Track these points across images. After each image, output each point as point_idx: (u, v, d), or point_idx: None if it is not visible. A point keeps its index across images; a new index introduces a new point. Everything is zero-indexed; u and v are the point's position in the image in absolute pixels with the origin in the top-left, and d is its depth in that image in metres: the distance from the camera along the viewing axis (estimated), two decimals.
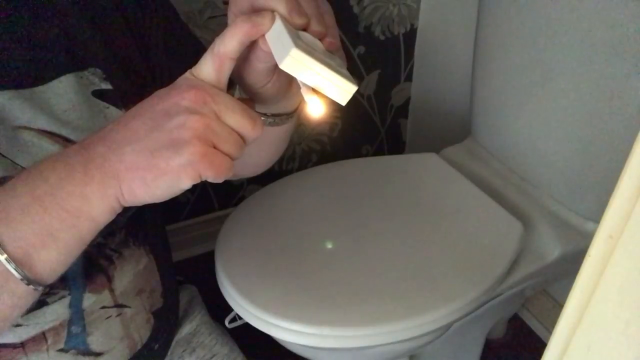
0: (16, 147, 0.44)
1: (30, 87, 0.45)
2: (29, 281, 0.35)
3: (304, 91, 0.38)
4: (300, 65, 0.35)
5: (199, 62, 0.37)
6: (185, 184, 0.34)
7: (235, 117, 0.35)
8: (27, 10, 0.45)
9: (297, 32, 0.38)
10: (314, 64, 0.35)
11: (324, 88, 0.37)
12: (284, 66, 0.35)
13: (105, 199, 0.35)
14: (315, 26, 0.38)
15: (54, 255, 0.35)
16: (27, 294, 0.36)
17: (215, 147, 0.35)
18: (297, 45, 0.35)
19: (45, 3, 0.46)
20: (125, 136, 0.35)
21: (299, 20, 0.37)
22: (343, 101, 0.38)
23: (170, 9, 0.56)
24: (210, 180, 0.35)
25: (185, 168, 0.34)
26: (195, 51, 0.57)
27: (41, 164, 0.36)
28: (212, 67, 0.36)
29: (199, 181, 0.35)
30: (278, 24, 0.36)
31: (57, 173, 0.35)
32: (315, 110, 0.38)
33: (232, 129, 0.36)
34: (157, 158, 0.34)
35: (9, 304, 0.36)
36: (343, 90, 0.37)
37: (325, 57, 0.37)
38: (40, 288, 0.36)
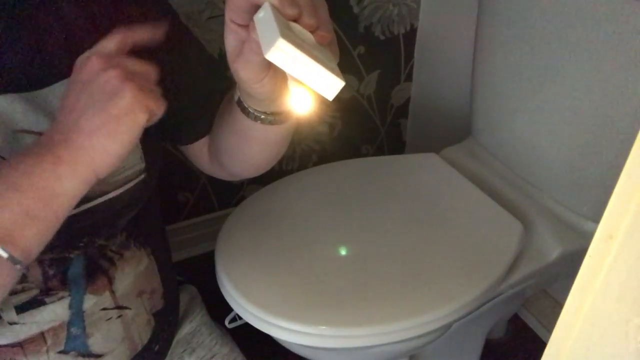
0: (17, 151, 0.44)
1: (32, 91, 0.45)
2: (14, 261, 0.36)
3: (290, 84, 0.37)
4: (286, 56, 0.35)
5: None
6: (141, 118, 0.38)
7: (133, 63, 0.40)
8: (28, 13, 0.45)
9: (288, 23, 0.37)
10: (300, 55, 0.35)
11: (310, 81, 0.36)
12: (269, 56, 0.35)
13: (77, 174, 0.38)
14: (307, 18, 0.38)
15: (34, 233, 0.38)
16: (10, 273, 0.38)
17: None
18: (284, 36, 0.34)
19: (46, 6, 0.46)
20: (71, 117, 0.38)
21: (290, 11, 0.37)
22: (330, 96, 0.37)
23: (170, 11, 0.56)
24: (156, 112, 0.39)
25: (133, 104, 0.37)
26: (196, 52, 0.57)
27: (9, 160, 0.38)
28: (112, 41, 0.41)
29: (150, 116, 0.38)
30: (269, 13, 0.36)
31: (27, 162, 0.37)
32: (300, 103, 0.37)
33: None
34: (106, 110, 0.37)
35: None
36: (330, 84, 0.36)
37: (314, 50, 0.37)
38: (21, 267, 0.38)
